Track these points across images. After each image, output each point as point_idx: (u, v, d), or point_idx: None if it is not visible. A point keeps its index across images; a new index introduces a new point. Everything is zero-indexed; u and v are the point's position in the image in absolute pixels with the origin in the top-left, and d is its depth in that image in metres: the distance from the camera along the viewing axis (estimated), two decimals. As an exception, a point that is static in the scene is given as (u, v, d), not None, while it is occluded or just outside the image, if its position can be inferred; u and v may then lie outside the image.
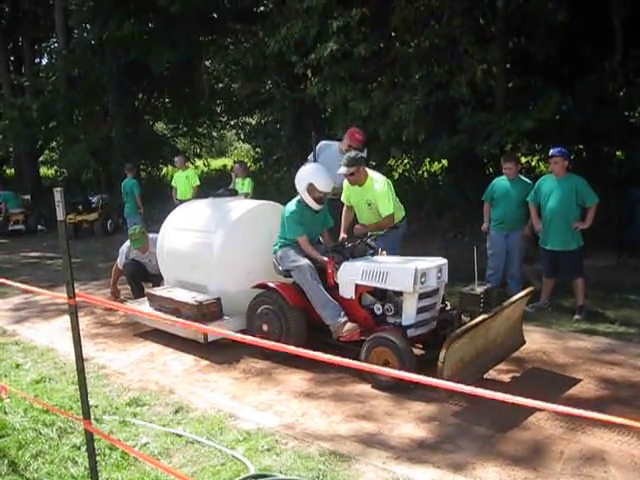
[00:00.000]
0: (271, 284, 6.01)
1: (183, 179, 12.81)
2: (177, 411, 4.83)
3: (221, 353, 6.11)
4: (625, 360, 5.52)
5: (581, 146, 11.66)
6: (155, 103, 23.14)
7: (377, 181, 6.42)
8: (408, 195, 13.01)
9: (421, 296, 5.24)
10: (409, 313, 5.23)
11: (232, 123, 21.87)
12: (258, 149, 17.44)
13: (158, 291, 6.97)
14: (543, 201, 7.01)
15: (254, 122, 18.77)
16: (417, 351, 5.42)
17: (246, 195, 9.99)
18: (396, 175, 14.24)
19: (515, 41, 11.05)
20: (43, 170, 26.71)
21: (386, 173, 9.65)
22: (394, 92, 10.52)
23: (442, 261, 5.45)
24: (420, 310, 5.27)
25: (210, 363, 5.96)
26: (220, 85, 21.11)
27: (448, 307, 5.66)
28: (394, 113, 10.13)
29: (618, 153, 11.95)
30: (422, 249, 8.21)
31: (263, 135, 16.23)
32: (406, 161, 14.38)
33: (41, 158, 25.57)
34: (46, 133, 22.28)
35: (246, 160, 17.95)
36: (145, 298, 7.13)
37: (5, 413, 4.87)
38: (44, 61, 26.28)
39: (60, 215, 3.31)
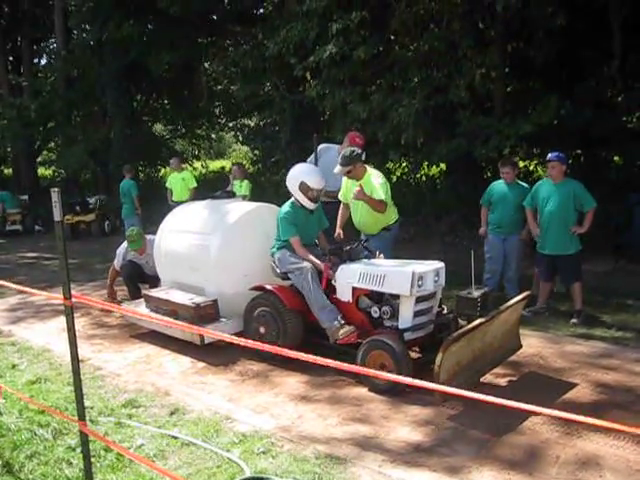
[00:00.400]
0: (268, 286, 6.00)
1: (179, 181, 12.79)
2: (173, 413, 4.82)
3: (218, 355, 6.10)
4: (621, 365, 5.51)
5: (579, 151, 11.68)
6: (154, 104, 23.16)
7: (375, 175, 6.47)
8: (406, 198, 13.05)
9: (418, 299, 5.23)
10: (406, 316, 5.23)
11: (231, 125, 21.89)
12: (257, 151, 17.46)
13: (155, 292, 6.95)
14: (541, 206, 7.02)
15: (253, 124, 18.78)
16: (414, 355, 5.43)
17: (244, 197, 9.98)
18: (394, 178, 14.25)
19: (514, 45, 11.08)
20: (41, 170, 26.70)
21: (384, 176, 9.64)
22: (393, 95, 10.55)
23: (439, 265, 5.44)
24: (417, 313, 5.27)
25: (207, 365, 5.95)
26: (219, 87, 21.13)
27: (445, 311, 5.65)
28: (393, 116, 10.15)
29: (616, 158, 11.98)
30: (420, 252, 8.23)
31: (262, 137, 16.24)
32: (404, 164, 14.39)
33: (39, 158, 25.57)
34: (44, 133, 22.30)
35: (244, 162, 17.96)
36: (142, 299, 7.12)
37: (0, 414, 4.86)
38: (43, 61, 26.33)
39: (57, 216, 3.30)
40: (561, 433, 4.24)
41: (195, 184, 12.94)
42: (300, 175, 5.99)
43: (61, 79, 20.68)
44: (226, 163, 26.14)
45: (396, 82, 10.93)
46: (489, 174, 11.78)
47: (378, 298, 5.50)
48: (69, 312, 3.42)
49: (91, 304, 7.36)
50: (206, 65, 19.90)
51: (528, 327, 6.46)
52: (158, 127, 24.65)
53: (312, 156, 7.58)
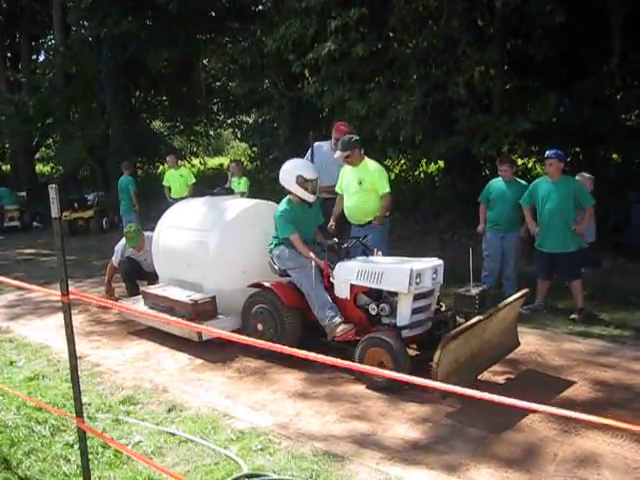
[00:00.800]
0: (266, 283, 5.99)
1: (177, 177, 12.78)
2: (171, 410, 4.82)
3: (215, 352, 6.10)
4: (619, 363, 5.52)
5: (578, 148, 11.68)
6: (152, 101, 23.12)
7: (371, 163, 6.78)
8: (405, 196, 13.04)
9: (416, 297, 5.23)
10: (404, 314, 5.23)
11: (229, 122, 21.84)
12: (255, 148, 17.43)
13: (153, 289, 6.95)
14: (540, 204, 7.01)
15: (251, 121, 18.72)
16: (412, 352, 5.42)
17: (242, 194, 9.97)
18: (393, 176, 14.23)
19: (513, 43, 11.06)
20: (39, 167, 26.67)
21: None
22: (392, 92, 10.53)
23: (437, 262, 5.44)
24: (415, 311, 5.26)
25: (204, 362, 5.95)
26: (217, 83, 21.11)
27: (443, 308, 5.65)
28: (391, 113, 10.14)
29: (614, 156, 11.97)
30: (418, 250, 8.24)
31: (260, 134, 16.21)
32: (403, 162, 14.38)
33: (37, 155, 25.52)
34: (42, 130, 22.24)
35: (243, 159, 17.93)
36: (140, 296, 7.11)
37: (-2, 410, 4.86)
38: (41, 57, 26.23)
39: (55, 212, 3.29)
40: (559, 431, 4.24)
41: (194, 180, 12.94)
42: (295, 170, 6.02)
43: (59, 75, 20.63)
44: (224, 160, 26.08)
45: (395, 79, 10.91)
46: (487, 171, 11.77)
47: (376, 295, 5.50)
48: (67, 309, 3.41)
49: (89, 301, 7.35)
50: (205, 62, 19.90)
51: (526, 325, 6.46)
52: (156, 124, 24.60)
53: (308, 153, 7.63)
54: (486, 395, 2.22)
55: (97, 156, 19.51)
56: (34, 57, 25.87)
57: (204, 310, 6.25)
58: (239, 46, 14.92)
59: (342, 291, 5.59)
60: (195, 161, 24.14)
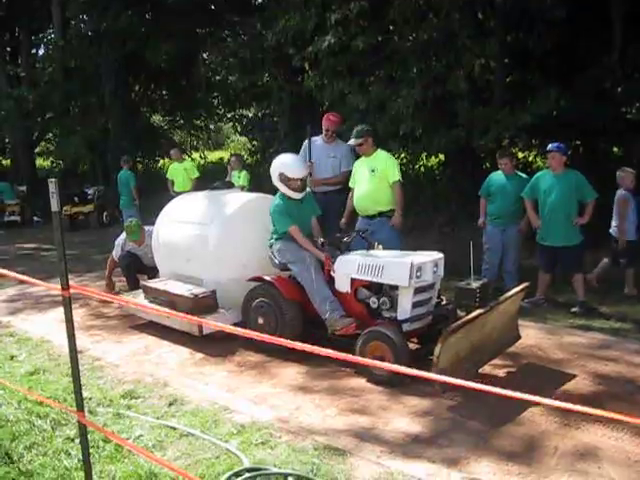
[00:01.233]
0: (267, 277, 5.99)
1: (181, 171, 12.75)
2: (171, 404, 4.83)
3: (216, 346, 6.10)
4: (620, 356, 5.52)
5: (578, 142, 11.64)
6: (152, 95, 23.05)
7: (384, 152, 6.93)
8: (405, 189, 13.00)
9: (417, 290, 5.23)
10: (404, 307, 5.23)
11: (229, 116, 21.76)
12: (255, 142, 17.39)
13: (153, 283, 6.95)
14: (542, 197, 7.00)
15: (251, 115, 18.69)
16: (412, 345, 5.43)
17: (242, 188, 9.96)
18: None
19: (514, 36, 11.00)
20: (39, 161, 26.59)
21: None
22: (392, 86, 10.50)
23: (438, 255, 5.44)
24: (415, 304, 5.26)
25: (205, 356, 5.96)
26: (217, 77, 21.02)
27: (444, 302, 5.65)
28: (392, 107, 10.11)
29: (615, 149, 11.94)
30: (418, 243, 8.23)
31: (260, 128, 16.18)
32: (403, 155, 14.36)
33: (37, 149, 25.47)
34: (42, 124, 22.20)
35: (243, 153, 17.90)
36: (140, 290, 7.11)
37: (-1, 405, 4.86)
38: (41, 52, 26.14)
39: (54, 206, 3.28)
40: (560, 424, 4.25)
41: (197, 174, 12.92)
42: (279, 166, 5.99)
43: (59, 70, 20.54)
44: (224, 154, 26.02)
45: (395, 73, 10.87)
46: (488, 165, 11.72)
47: (377, 289, 5.49)
48: (67, 303, 3.40)
49: (89, 295, 7.35)
50: (204, 55, 19.81)
51: (527, 318, 6.47)
52: (156, 118, 24.54)
53: (304, 147, 7.63)
54: (487, 388, 2.22)
55: (97, 150, 19.46)
56: (34, 52, 25.76)
57: (205, 304, 6.25)
58: (239, 40, 14.88)
59: (343, 285, 5.58)
60: (195, 155, 24.10)
